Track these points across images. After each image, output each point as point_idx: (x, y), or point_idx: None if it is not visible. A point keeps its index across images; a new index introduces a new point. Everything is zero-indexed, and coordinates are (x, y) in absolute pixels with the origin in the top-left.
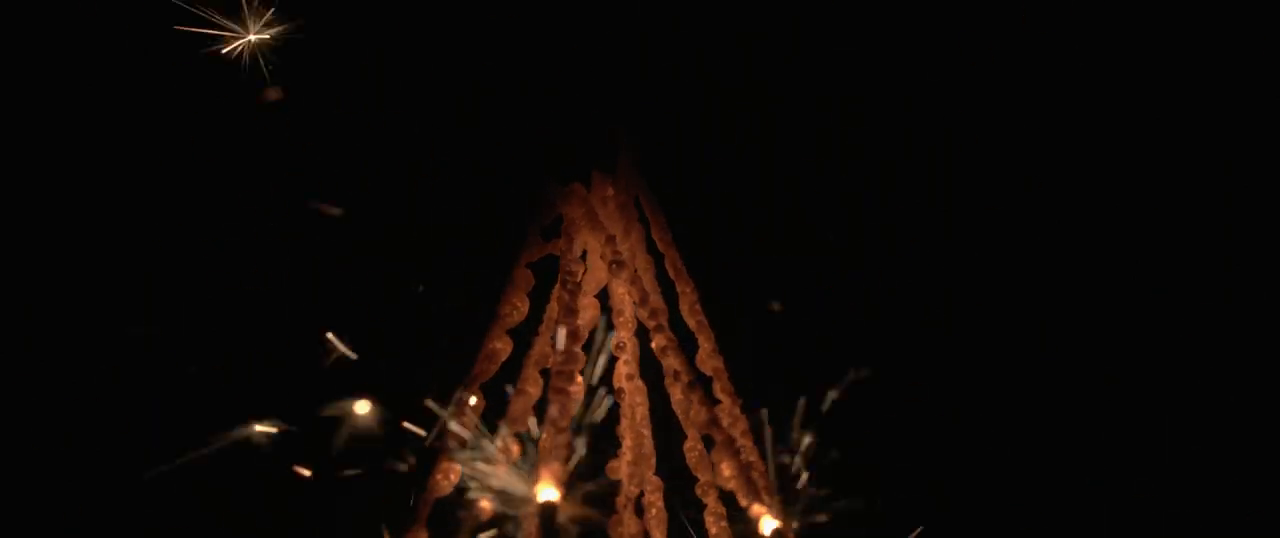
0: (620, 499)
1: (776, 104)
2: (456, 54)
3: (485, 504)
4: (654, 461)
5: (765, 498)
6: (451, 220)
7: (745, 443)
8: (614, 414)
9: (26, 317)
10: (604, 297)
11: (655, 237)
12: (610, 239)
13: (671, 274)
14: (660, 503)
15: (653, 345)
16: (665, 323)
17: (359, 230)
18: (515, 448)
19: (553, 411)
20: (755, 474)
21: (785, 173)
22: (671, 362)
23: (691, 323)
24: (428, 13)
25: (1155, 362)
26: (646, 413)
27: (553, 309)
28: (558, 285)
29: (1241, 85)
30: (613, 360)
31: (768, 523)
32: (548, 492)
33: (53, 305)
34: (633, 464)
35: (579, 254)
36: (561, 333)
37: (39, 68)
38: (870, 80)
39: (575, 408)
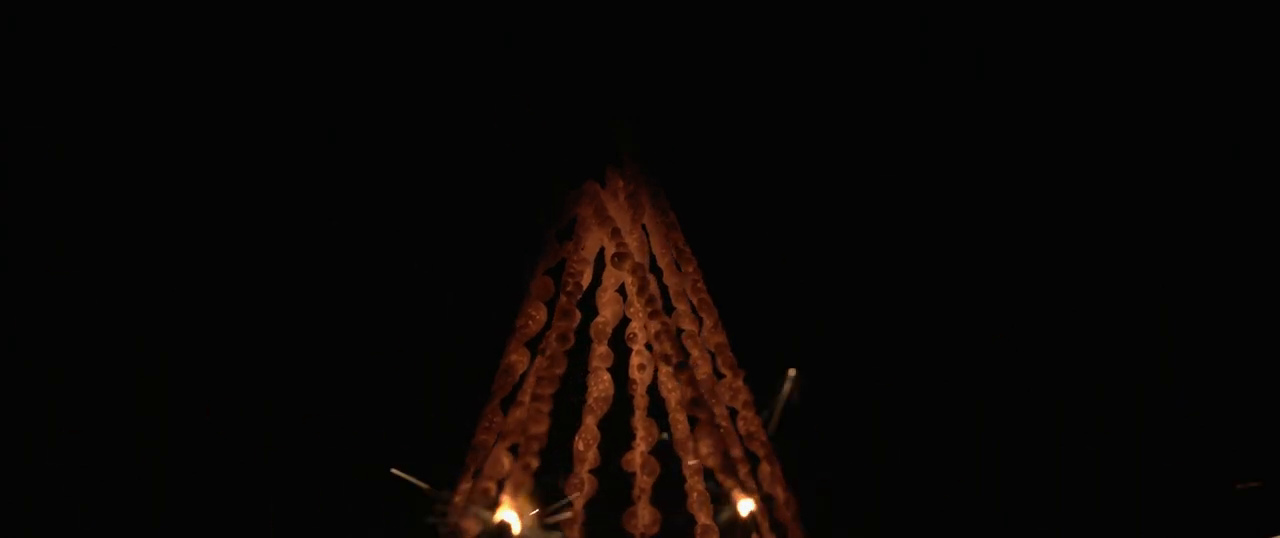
0: (635, 491)
1: (785, 86)
2: (458, 56)
3: (469, 525)
4: (690, 444)
5: (759, 472)
6: (460, 227)
7: (747, 414)
8: (631, 407)
9: None
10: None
11: (656, 219)
12: (615, 232)
13: (673, 254)
14: (702, 487)
15: (648, 331)
16: (661, 309)
17: (363, 238)
18: (506, 461)
19: (529, 424)
20: (756, 445)
21: (794, 156)
22: (664, 347)
23: (694, 300)
24: (426, 15)
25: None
26: (679, 399)
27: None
28: (560, 290)
29: (1242, 86)
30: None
31: (744, 505)
32: (507, 514)
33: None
34: (647, 455)
35: (593, 254)
36: (552, 338)
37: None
38: (872, 72)
39: (605, 409)
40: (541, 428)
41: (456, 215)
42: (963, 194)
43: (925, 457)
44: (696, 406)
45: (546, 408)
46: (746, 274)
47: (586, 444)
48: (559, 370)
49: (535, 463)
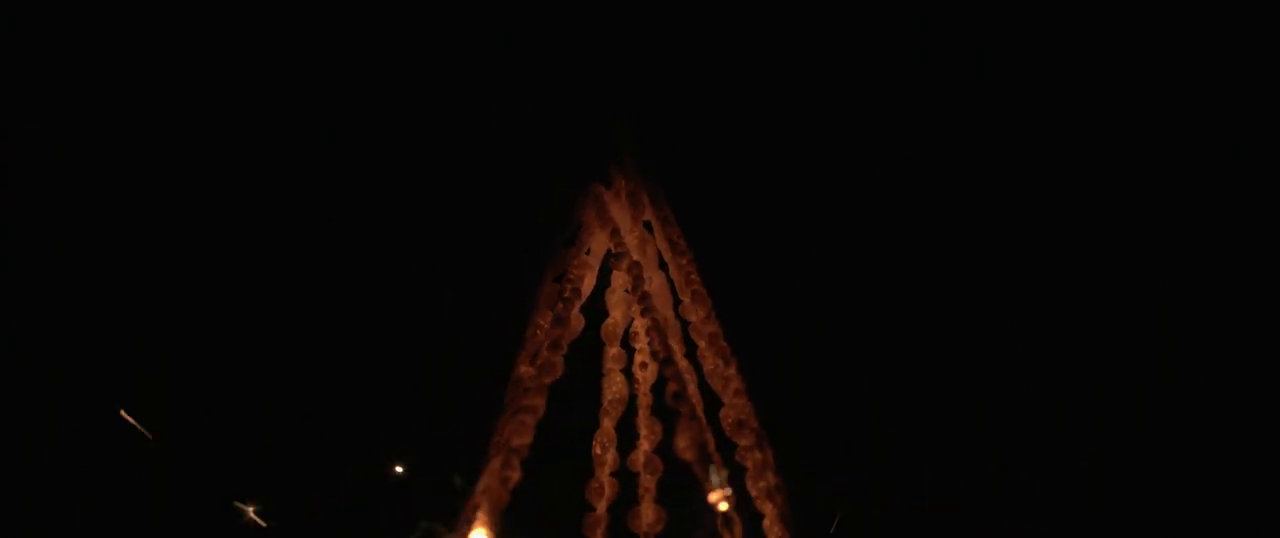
0: (640, 490)
1: (783, 81)
2: (460, 59)
3: None
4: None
5: (751, 460)
6: (466, 234)
7: (738, 402)
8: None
9: None
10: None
11: (652, 215)
12: (614, 232)
13: (669, 249)
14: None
15: (641, 327)
16: (655, 305)
17: (363, 239)
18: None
19: (512, 436)
20: (748, 431)
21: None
22: (654, 343)
23: (688, 294)
24: (428, 18)
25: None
26: (696, 390)
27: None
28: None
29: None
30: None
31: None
32: (478, 536)
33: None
34: (651, 454)
35: (598, 258)
36: (544, 346)
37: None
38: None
39: (620, 410)
40: (525, 440)
41: (457, 215)
42: (955, 192)
43: (918, 447)
44: (678, 399)
45: (531, 420)
46: (744, 268)
47: (603, 447)
48: (548, 379)
49: (515, 476)
